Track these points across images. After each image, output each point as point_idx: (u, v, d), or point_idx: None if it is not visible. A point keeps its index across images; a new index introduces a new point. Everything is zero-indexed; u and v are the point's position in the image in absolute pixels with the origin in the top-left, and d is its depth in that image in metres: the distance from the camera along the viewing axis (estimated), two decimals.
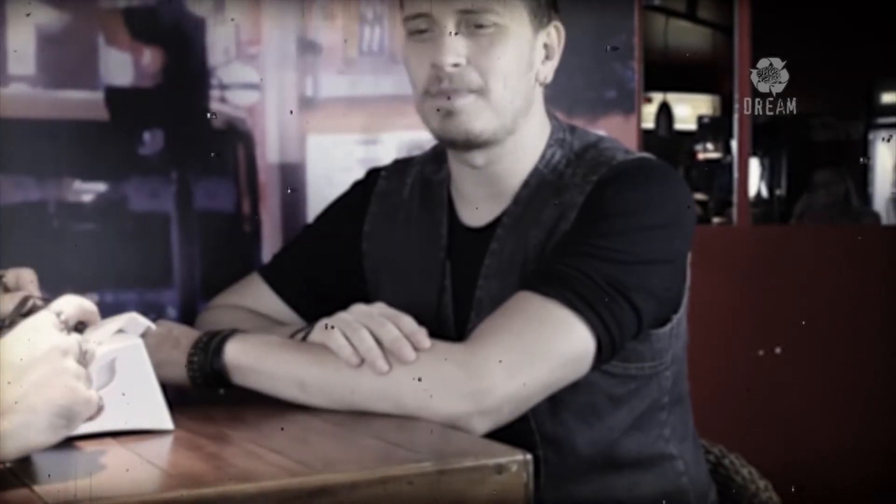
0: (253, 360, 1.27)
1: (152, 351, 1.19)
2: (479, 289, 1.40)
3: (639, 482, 1.39)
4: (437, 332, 1.27)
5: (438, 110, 1.36)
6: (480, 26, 1.34)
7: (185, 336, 1.33)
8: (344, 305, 1.30)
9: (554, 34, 1.42)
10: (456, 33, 1.34)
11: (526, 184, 1.41)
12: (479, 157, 1.41)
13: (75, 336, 0.97)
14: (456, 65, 1.34)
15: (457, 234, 1.46)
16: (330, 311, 1.30)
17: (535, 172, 1.41)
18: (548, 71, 1.42)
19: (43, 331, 0.95)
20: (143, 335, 1.15)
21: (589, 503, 1.37)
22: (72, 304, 1.01)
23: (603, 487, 1.38)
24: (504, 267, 1.39)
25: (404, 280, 1.48)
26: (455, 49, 1.34)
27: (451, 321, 1.42)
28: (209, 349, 1.29)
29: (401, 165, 1.58)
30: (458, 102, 1.35)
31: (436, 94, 1.36)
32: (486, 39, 1.34)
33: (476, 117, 1.35)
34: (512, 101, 1.37)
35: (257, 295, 1.57)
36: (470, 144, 1.38)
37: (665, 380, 1.41)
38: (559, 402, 1.33)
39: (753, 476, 1.57)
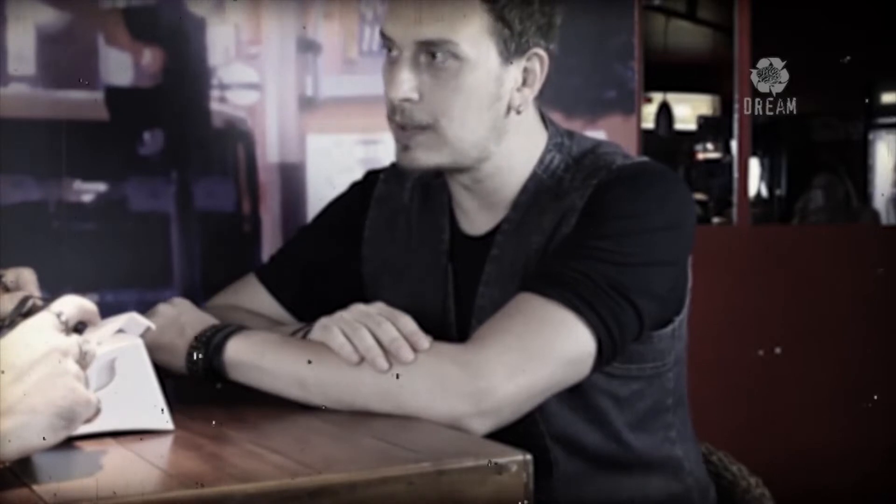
0: (254, 357, 1.27)
1: (157, 334, 1.19)
2: (479, 296, 1.40)
3: (648, 483, 1.40)
4: (439, 337, 1.26)
5: (398, 141, 1.36)
6: (440, 58, 1.31)
7: (192, 326, 1.32)
8: (340, 308, 1.30)
9: (536, 62, 1.36)
10: (414, 62, 1.32)
11: (524, 189, 1.41)
12: (461, 178, 1.41)
13: (75, 337, 0.97)
14: (407, 100, 1.33)
15: (458, 240, 1.46)
16: (326, 314, 1.29)
17: (534, 177, 1.40)
18: (523, 98, 1.37)
19: (43, 332, 0.94)
20: (143, 335, 1.15)
21: None
22: (72, 305, 1.01)
23: (614, 488, 1.38)
24: (505, 274, 1.38)
25: (406, 284, 1.48)
26: (408, 84, 1.32)
27: (454, 328, 1.42)
28: (211, 344, 1.29)
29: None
30: (410, 138, 1.34)
31: (392, 121, 1.36)
32: (445, 73, 1.32)
33: (427, 154, 1.35)
34: (472, 135, 1.35)
35: (253, 296, 1.56)
36: (431, 174, 1.38)
37: (668, 381, 1.42)
38: (567, 403, 1.33)
39: (743, 473, 1.57)
